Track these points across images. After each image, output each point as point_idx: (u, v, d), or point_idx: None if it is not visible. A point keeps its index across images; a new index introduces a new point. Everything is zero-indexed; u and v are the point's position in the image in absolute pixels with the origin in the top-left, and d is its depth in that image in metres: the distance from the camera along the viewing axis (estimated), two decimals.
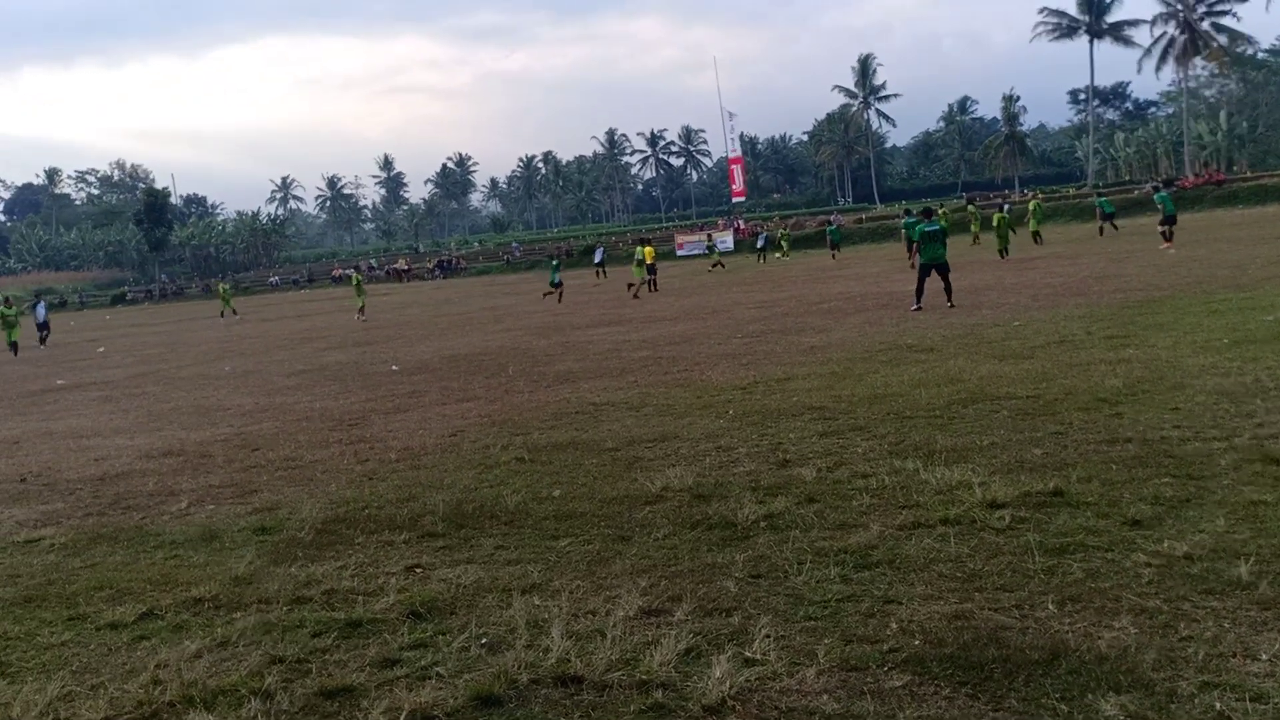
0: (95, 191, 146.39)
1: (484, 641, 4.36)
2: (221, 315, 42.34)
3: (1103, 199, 41.15)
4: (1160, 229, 27.52)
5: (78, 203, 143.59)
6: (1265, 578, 4.29)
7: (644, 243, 32.58)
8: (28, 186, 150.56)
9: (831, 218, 68.56)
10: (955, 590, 4.48)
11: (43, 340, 32.80)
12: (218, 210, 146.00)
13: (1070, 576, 4.52)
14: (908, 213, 36.74)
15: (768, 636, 4.10)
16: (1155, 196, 29.65)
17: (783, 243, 51.53)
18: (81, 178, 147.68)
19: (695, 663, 3.96)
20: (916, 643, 3.95)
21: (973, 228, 39.05)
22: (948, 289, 17.08)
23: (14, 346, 29.16)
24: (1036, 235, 33.53)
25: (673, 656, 3.99)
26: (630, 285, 30.08)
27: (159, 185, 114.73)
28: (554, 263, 32.17)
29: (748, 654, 3.98)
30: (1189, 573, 4.43)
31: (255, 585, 5.42)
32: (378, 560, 5.70)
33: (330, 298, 57.36)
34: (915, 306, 16.96)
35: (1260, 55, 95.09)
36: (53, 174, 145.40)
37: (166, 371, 19.87)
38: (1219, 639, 3.78)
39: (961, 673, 3.68)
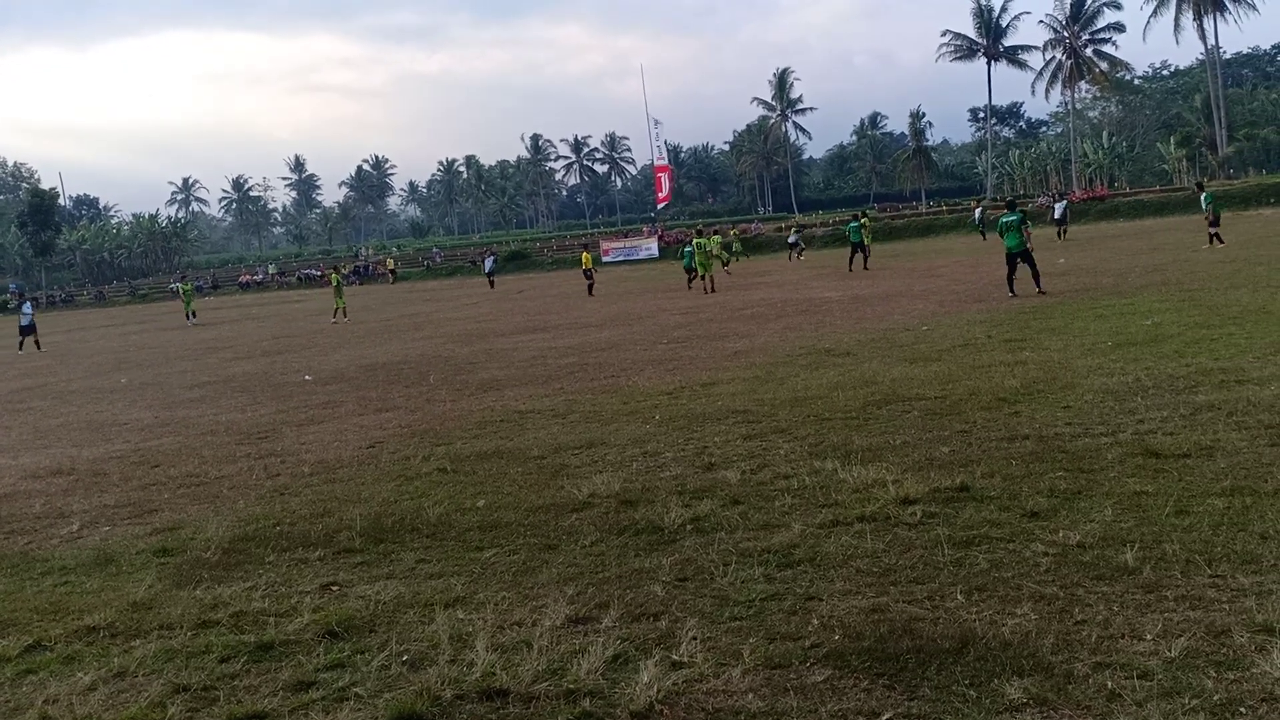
0: None
1: (405, 659, 4.16)
2: (188, 318, 36.85)
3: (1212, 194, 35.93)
4: (1212, 230, 25.81)
5: None
6: (1148, 563, 4.47)
7: (585, 248, 32.37)
8: None
9: (752, 226, 69.29)
10: (872, 585, 4.56)
11: (20, 345, 28.21)
12: (112, 212, 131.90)
13: (976, 567, 4.64)
14: (854, 217, 36.43)
15: (694, 639, 4.08)
16: (1202, 198, 27.35)
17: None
18: None
19: (623, 669, 3.91)
20: (836, 637, 3.99)
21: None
22: (1035, 275, 17.32)
23: None
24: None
25: (600, 664, 3.92)
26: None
27: (45, 185, 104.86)
28: (686, 249, 30.74)
29: (675, 657, 3.95)
30: (1082, 560, 4.59)
31: (156, 610, 5.03)
32: (290, 579, 5.38)
33: (237, 305, 53.66)
34: (1010, 295, 17.08)
35: (1136, 81, 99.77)
36: None
37: (55, 385, 18.21)
38: (1109, 622, 3.93)
39: (879, 665, 3.74)
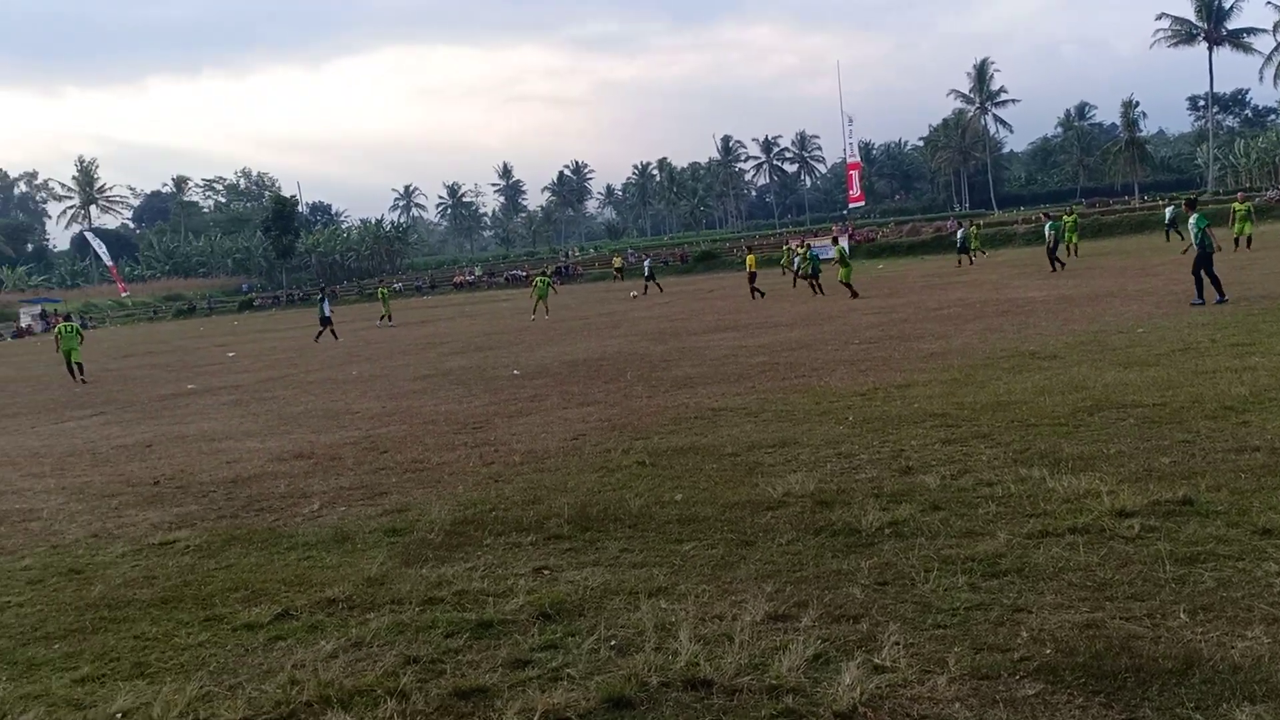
0: (222, 199, 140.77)
1: (613, 643, 4.28)
2: (380, 320, 38.31)
3: None
4: None
5: (205, 210, 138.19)
6: None
7: (750, 250, 32.03)
8: (156, 194, 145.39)
9: (948, 224, 66.47)
10: (1086, 599, 4.31)
11: (318, 336, 30.82)
12: (342, 218, 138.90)
13: (1201, 586, 4.32)
14: (1046, 216, 33.45)
15: (896, 644, 4.00)
16: None
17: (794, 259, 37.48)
18: (209, 185, 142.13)
19: (824, 669, 3.88)
20: (1048, 651, 3.82)
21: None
22: (1199, 286, 16.09)
23: (77, 368, 23.19)
24: (1238, 240, 29.98)
25: (801, 662, 3.90)
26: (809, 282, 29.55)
27: (284, 193, 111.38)
28: (813, 254, 30.43)
29: (877, 661, 3.88)
30: None
31: (387, 586, 5.33)
32: (506, 562, 5.61)
33: (451, 304, 56.15)
34: (1198, 300, 15.87)
35: None
36: (180, 182, 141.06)
37: (295, 376, 19.45)
38: None
39: (1094, 682, 3.55)
